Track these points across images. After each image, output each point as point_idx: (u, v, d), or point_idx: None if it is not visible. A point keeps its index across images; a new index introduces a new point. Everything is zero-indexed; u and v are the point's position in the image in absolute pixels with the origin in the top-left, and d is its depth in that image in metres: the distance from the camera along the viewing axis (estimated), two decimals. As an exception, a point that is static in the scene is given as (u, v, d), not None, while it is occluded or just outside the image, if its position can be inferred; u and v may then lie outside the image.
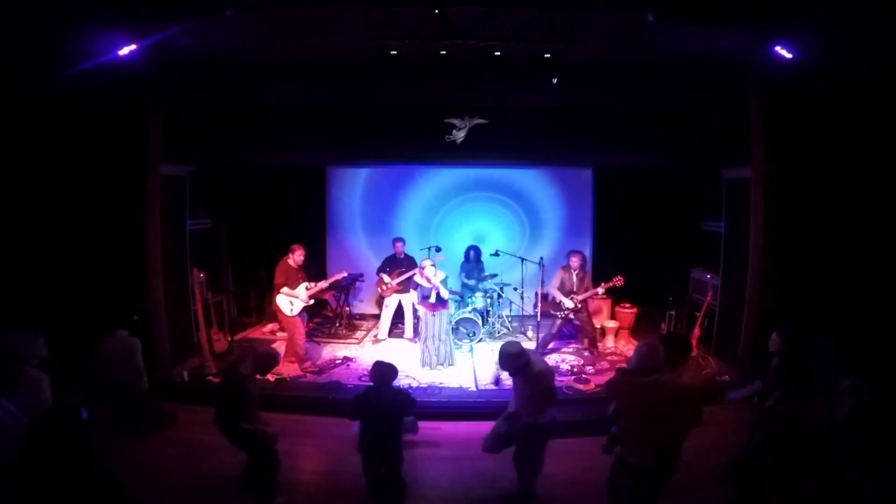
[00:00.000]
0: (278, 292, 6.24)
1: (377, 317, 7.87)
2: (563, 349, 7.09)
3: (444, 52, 4.56)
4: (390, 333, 7.69)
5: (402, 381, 5.78)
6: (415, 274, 7.02)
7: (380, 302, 7.88)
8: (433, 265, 6.40)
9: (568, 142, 6.61)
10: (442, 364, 6.42)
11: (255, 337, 7.67)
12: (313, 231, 8.44)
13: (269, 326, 7.98)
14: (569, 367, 6.47)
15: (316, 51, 5.41)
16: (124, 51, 4.66)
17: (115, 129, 5.81)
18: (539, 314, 6.62)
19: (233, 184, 7.76)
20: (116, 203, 5.96)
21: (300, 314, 6.40)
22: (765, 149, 5.79)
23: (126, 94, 5.51)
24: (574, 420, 5.14)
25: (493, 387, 5.87)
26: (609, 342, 7.32)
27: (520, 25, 4.34)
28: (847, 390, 4.02)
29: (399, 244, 7.49)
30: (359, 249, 8.71)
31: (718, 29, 4.51)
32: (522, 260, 7.53)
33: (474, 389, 5.85)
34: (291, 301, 6.25)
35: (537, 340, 6.56)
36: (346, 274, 6.97)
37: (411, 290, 7.33)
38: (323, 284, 6.56)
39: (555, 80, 5.14)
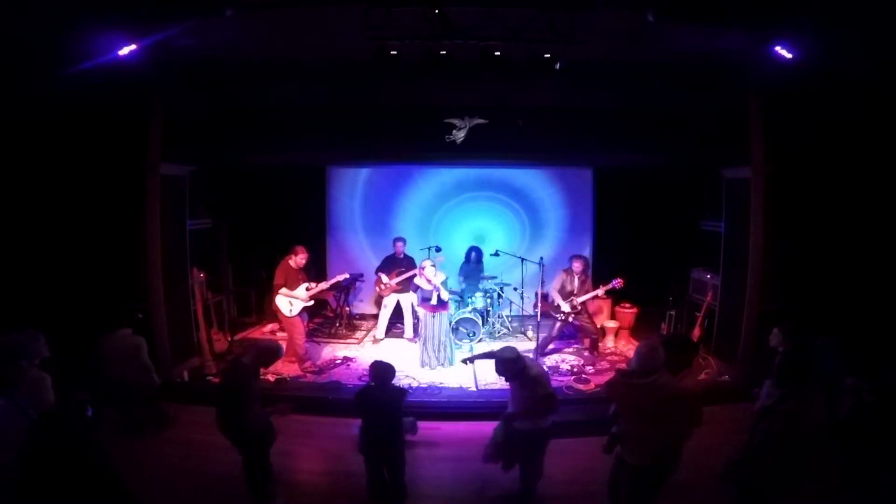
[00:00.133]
0: (278, 293, 6.24)
1: (377, 317, 7.88)
2: (564, 349, 7.09)
3: (444, 52, 4.56)
4: (389, 333, 7.69)
5: (402, 381, 5.78)
6: (414, 275, 7.03)
7: (379, 302, 7.88)
8: (433, 266, 6.40)
9: (568, 142, 6.60)
10: (442, 364, 6.42)
11: (255, 337, 7.66)
12: (313, 231, 8.44)
13: (269, 326, 7.98)
14: (569, 368, 6.47)
15: (316, 51, 5.40)
16: (124, 51, 4.66)
17: (115, 129, 5.81)
18: (539, 314, 6.61)
19: (233, 184, 7.76)
20: (116, 203, 5.96)
21: (300, 314, 6.40)
22: (765, 149, 5.79)
23: (126, 94, 5.51)
24: (574, 420, 5.14)
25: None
26: (609, 342, 7.32)
27: (520, 25, 4.34)
28: (847, 390, 4.02)
29: (399, 244, 7.49)
30: (359, 249, 8.71)
31: (718, 29, 4.50)
32: (522, 260, 7.53)
33: (474, 389, 5.85)
34: (291, 301, 6.25)
35: (537, 340, 6.56)
36: (347, 276, 6.97)
37: (410, 291, 7.34)
38: (324, 286, 6.56)
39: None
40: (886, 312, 5.52)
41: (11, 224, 5.94)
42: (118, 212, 5.95)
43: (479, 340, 7.17)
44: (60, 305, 5.76)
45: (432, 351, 6.43)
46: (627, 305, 7.40)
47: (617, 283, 6.42)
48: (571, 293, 6.49)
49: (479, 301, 7.47)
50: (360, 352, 7.18)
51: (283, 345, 6.51)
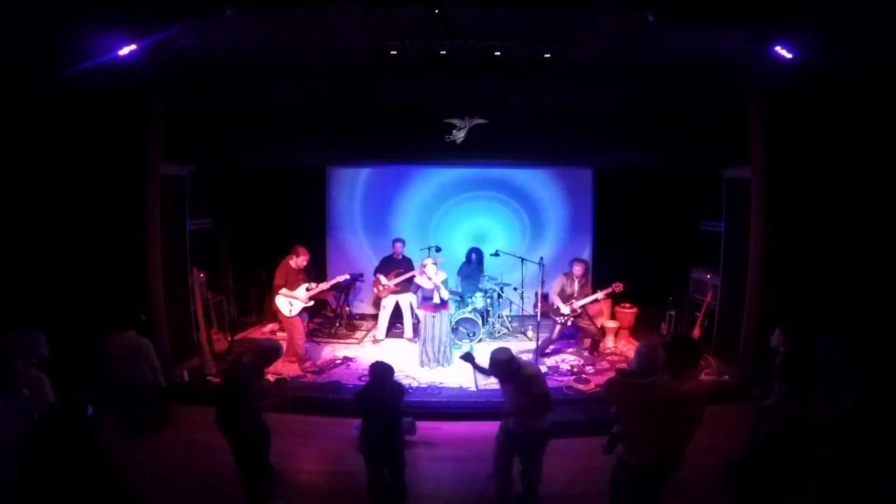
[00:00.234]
0: (278, 293, 6.24)
1: (377, 317, 7.88)
2: (564, 349, 7.09)
3: (444, 52, 4.56)
4: (389, 333, 7.69)
5: (401, 381, 5.78)
6: (413, 275, 7.03)
7: (377, 303, 7.88)
8: (435, 264, 6.40)
9: (568, 142, 6.60)
10: (442, 364, 6.42)
11: (255, 337, 7.66)
12: (313, 231, 8.44)
13: (269, 326, 7.98)
14: (569, 367, 6.48)
15: (316, 51, 5.41)
16: (124, 51, 4.66)
17: (115, 129, 5.81)
18: (539, 314, 6.61)
19: (233, 184, 7.76)
20: (117, 203, 5.96)
21: (300, 314, 6.40)
22: (765, 149, 5.79)
23: (126, 94, 5.51)
24: (574, 420, 5.14)
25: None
26: (609, 342, 7.32)
27: (520, 25, 4.34)
28: (848, 390, 4.02)
29: (399, 245, 7.48)
30: (359, 249, 8.71)
31: (718, 29, 4.50)
32: (522, 260, 7.53)
33: (474, 389, 5.85)
34: (291, 302, 6.25)
35: (537, 341, 6.56)
36: (347, 276, 6.98)
37: (409, 292, 7.35)
38: (324, 286, 6.56)
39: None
40: (886, 312, 5.52)
41: (12, 224, 5.94)
42: (118, 212, 5.95)
43: (479, 340, 7.17)
44: (60, 305, 5.76)
45: (432, 351, 6.44)
46: (627, 305, 7.40)
47: (616, 287, 6.42)
48: (571, 296, 6.49)
49: (479, 301, 7.47)
50: (360, 352, 7.18)
51: (283, 345, 6.54)
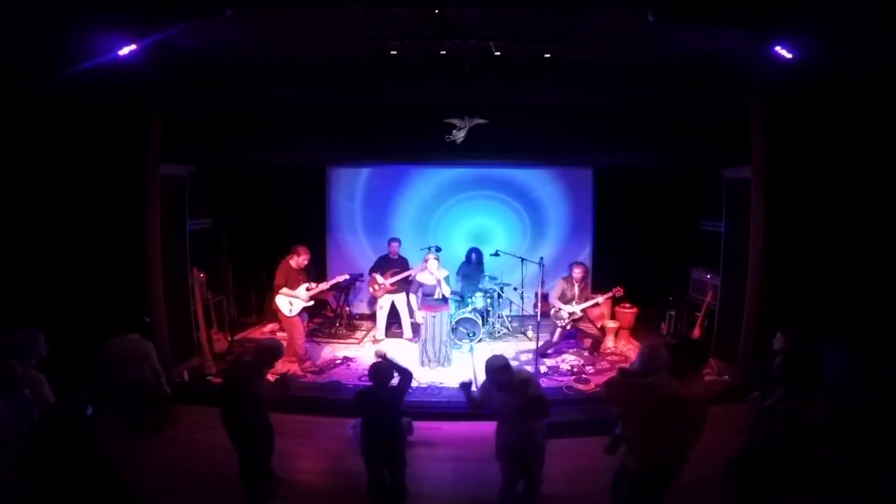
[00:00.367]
0: (278, 292, 6.24)
1: (374, 317, 7.88)
2: (564, 349, 7.09)
3: (444, 52, 4.56)
4: (389, 333, 7.69)
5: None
6: (409, 275, 7.05)
7: (373, 303, 7.87)
8: (437, 259, 6.39)
9: (568, 142, 6.60)
10: (442, 364, 6.42)
11: (255, 337, 7.66)
12: (313, 231, 8.44)
13: (269, 326, 7.98)
14: (569, 367, 6.47)
15: (316, 51, 5.41)
16: (124, 51, 4.66)
17: (115, 129, 5.81)
18: (539, 314, 6.62)
19: (233, 184, 7.77)
20: (117, 203, 5.96)
21: (300, 314, 6.40)
22: (765, 149, 5.79)
23: (126, 94, 5.51)
24: (574, 420, 5.14)
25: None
26: (609, 342, 7.32)
27: (520, 25, 4.34)
28: (850, 389, 4.02)
29: (395, 244, 7.48)
30: (359, 249, 8.71)
31: (718, 29, 4.50)
32: (522, 260, 7.53)
33: (475, 389, 5.83)
34: (291, 301, 6.25)
35: (537, 341, 6.55)
36: (347, 276, 6.98)
37: (404, 292, 7.36)
38: (324, 286, 6.56)
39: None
40: (886, 312, 5.52)
41: (12, 224, 5.94)
42: (118, 212, 5.95)
43: (479, 340, 7.17)
44: (61, 305, 5.76)
45: (432, 351, 6.44)
46: (627, 305, 7.40)
47: (617, 291, 6.43)
48: (572, 300, 6.49)
49: (479, 301, 7.47)
50: (360, 352, 7.18)
51: (284, 344, 6.55)
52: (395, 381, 3.97)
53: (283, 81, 6.21)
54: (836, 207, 5.92)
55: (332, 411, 5.34)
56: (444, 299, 6.45)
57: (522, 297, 7.89)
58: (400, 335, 7.67)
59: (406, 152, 6.89)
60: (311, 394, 5.77)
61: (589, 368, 6.42)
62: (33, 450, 2.76)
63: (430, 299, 6.44)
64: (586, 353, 6.87)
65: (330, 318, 8.31)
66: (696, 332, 6.68)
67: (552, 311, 6.57)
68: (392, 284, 7.31)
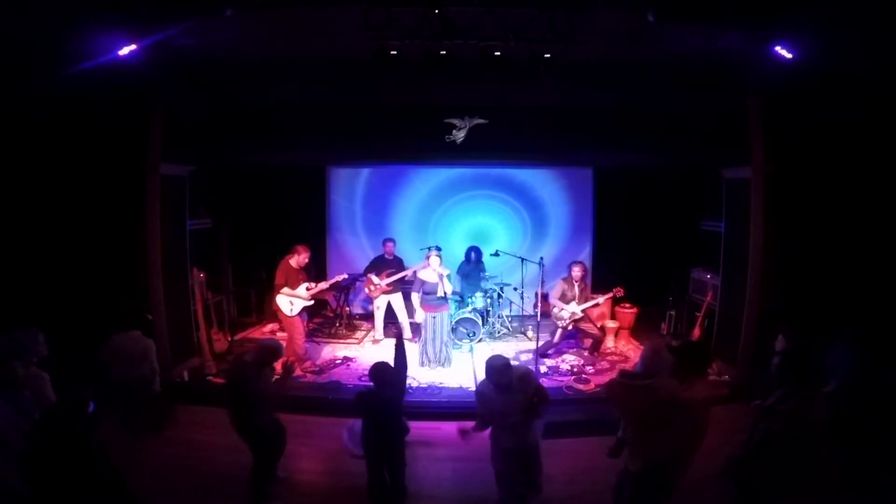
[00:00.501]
0: (279, 292, 6.24)
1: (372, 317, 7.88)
2: (564, 349, 7.09)
3: (444, 52, 4.56)
4: (388, 333, 7.68)
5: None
6: (405, 275, 7.08)
7: (364, 304, 7.87)
8: (439, 256, 6.39)
9: (568, 142, 6.60)
10: (442, 364, 6.42)
11: (255, 337, 7.67)
12: (313, 231, 8.44)
13: (269, 326, 7.98)
14: (569, 367, 6.47)
15: (316, 51, 5.41)
16: (124, 51, 4.66)
17: (115, 129, 5.81)
18: (539, 314, 6.62)
19: (233, 184, 7.77)
20: (117, 203, 5.96)
21: (300, 314, 6.40)
22: (765, 149, 5.79)
23: (126, 94, 5.51)
24: (574, 420, 5.14)
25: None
26: (609, 342, 7.32)
27: (520, 25, 4.34)
28: (853, 389, 4.02)
29: (390, 244, 7.48)
30: (359, 250, 8.71)
31: (718, 29, 4.50)
32: (523, 260, 7.53)
33: (474, 389, 5.84)
34: (292, 301, 6.25)
35: (537, 341, 6.56)
36: (346, 276, 6.98)
37: (402, 291, 7.36)
38: (323, 285, 6.56)
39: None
40: (886, 312, 5.52)
41: (12, 224, 5.94)
42: (118, 212, 5.95)
43: (479, 340, 7.17)
44: (61, 305, 5.76)
45: (432, 351, 6.44)
46: (627, 305, 7.40)
47: (617, 292, 6.43)
48: (572, 301, 6.48)
49: (479, 301, 7.47)
50: (360, 352, 7.18)
51: (283, 344, 6.55)
52: (393, 366, 3.96)
53: (283, 81, 6.21)
54: (836, 207, 5.92)
55: (332, 411, 5.34)
56: (445, 298, 6.45)
57: (522, 297, 7.89)
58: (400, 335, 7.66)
59: (406, 152, 6.89)
60: (311, 394, 5.77)
61: (589, 368, 6.42)
62: (35, 447, 2.76)
63: (430, 298, 6.43)
64: (586, 353, 6.87)
65: (330, 318, 8.31)
66: (696, 332, 6.68)
67: (553, 312, 6.57)
68: (388, 285, 7.30)
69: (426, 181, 8.58)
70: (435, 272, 6.35)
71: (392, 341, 7.28)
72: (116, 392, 4.76)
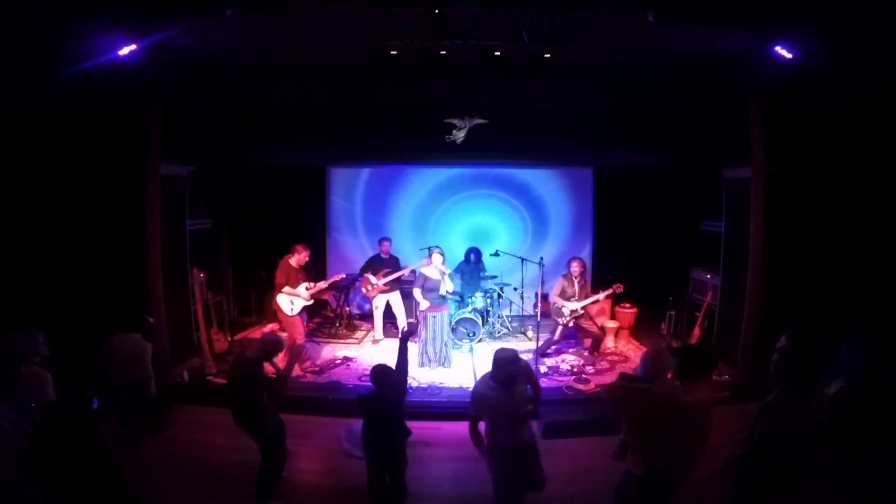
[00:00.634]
0: (279, 292, 6.24)
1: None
2: (564, 349, 7.09)
3: (444, 52, 4.56)
4: (388, 333, 7.69)
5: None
6: (402, 275, 7.10)
7: (361, 305, 7.86)
8: (441, 254, 6.40)
9: (568, 142, 6.60)
10: (442, 364, 6.42)
11: (255, 337, 7.67)
12: (313, 231, 8.44)
13: (269, 326, 7.97)
14: (569, 367, 6.48)
15: (316, 51, 5.40)
16: (124, 51, 4.65)
17: (115, 129, 5.81)
18: (539, 314, 6.61)
19: (233, 184, 7.77)
20: (117, 203, 5.96)
21: (300, 314, 6.40)
22: (765, 149, 5.79)
23: (126, 94, 5.51)
24: (574, 420, 5.14)
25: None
26: (609, 342, 7.32)
27: (520, 25, 4.34)
28: (854, 389, 4.02)
29: (386, 243, 7.48)
30: (358, 249, 8.70)
31: (718, 29, 4.50)
32: (522, 260, 7.53)
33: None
34: (292, 300, 6.25)
35: (537, 341, 6.56)
36: (344, 276, 6.99)
37: (398, 290, 7.39)
38: (322, 285, 6.56)
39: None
40: (886, 312, 5.51)
41: (12, 224, 5.94)
42: (118, 212, 5.95)
43: (479, 340, 7.17)
44: (61, 305, 5.76)
45: (432, 351, 6.44)
46: (627, 305, 7.40)
47: (617, 288, 6.42)
48: (572, 298, 6.48)
49: (479, 301, 7.47)
50: (359, 352, 7.19)
51: (284, 339, 6.55)
52: (394, 368, 3.96)
53: (283, 81, 6.21)
54: (837, 207, 5.92)
55: (332, 411, 5.35)
56: (445, 298, 6.45)
57: (522, 297, 7.89)
58: (396, 334, 7.66)
59: (406, 152, 6.89)
60: (311, 394, 5.77)
61: (589, 368, 6.42)
62: (40, 443, 2.77)
63: (431, 295, 6.43)
64: (586, 353, 6.87)
65: (330, 318, 8.31)
66: (696, 332, 6.68)
67: (554, 308, 6.56)
68: (385, 284, 7.30)
69: (426, 181, 8.58)
70: (437, 269, 6.36)
71: (394, 341, 7.37)
72: (116, 392, 4.77)
